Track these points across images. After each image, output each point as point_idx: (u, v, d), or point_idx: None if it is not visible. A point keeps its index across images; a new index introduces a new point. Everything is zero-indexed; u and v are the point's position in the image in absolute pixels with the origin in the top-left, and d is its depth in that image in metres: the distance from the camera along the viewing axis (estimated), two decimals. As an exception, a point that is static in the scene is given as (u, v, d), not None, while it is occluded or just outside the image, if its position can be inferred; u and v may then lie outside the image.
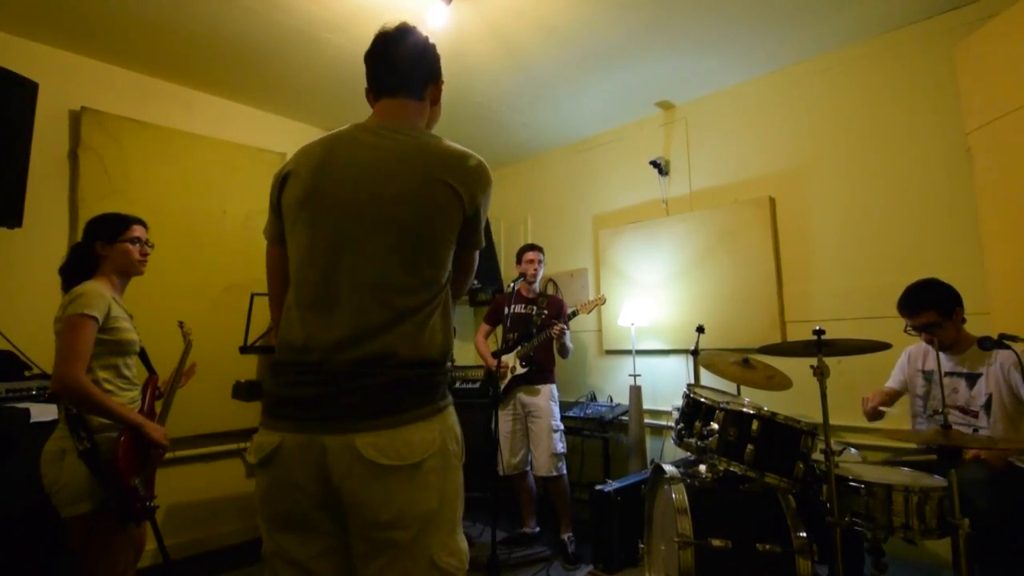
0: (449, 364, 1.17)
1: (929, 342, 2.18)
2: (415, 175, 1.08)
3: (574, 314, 3.16)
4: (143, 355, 1.95)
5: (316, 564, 1.03)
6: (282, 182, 1.15)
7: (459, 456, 1.11)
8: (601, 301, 3.28)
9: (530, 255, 3.26)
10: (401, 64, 1.20)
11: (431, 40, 1.25)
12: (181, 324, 2.33)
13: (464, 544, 1.09)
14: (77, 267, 1.81)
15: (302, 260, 1.10)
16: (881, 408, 2.31)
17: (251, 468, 3.29)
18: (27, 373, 2.33)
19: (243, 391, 2.36)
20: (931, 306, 2.12)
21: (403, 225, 1.07)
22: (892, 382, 2.38)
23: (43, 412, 2.07)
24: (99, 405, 1.66)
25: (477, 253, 1.26)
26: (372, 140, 1.13)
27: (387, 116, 1.19)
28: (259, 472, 1.05)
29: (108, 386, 1.73)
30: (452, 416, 1.12)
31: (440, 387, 1.11)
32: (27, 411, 2.04)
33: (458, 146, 1.14)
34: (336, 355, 1.02)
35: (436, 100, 1.26)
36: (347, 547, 1.03)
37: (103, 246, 1.81)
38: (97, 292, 1.71)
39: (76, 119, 2.82)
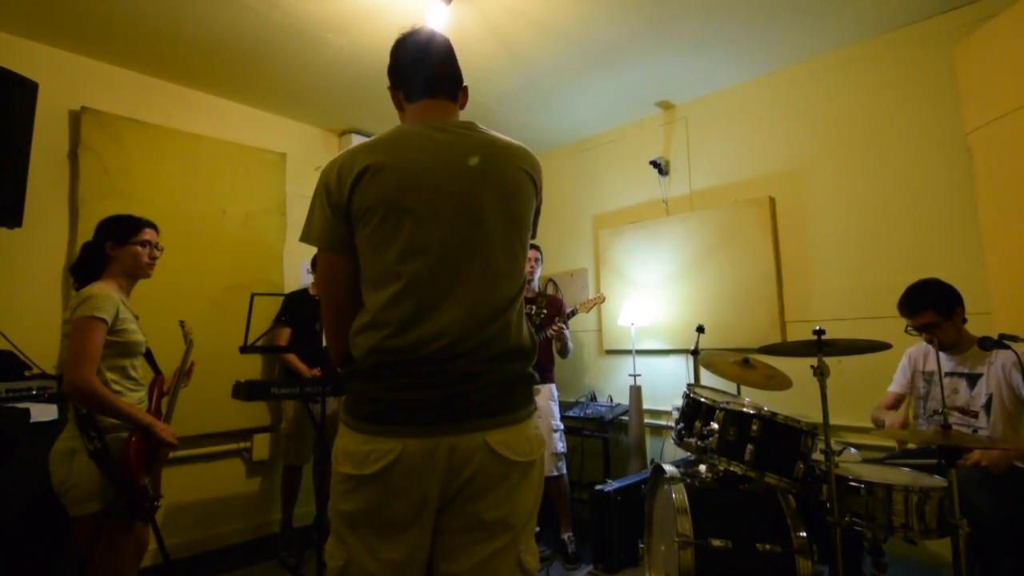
0: None
1: (929, 342, 2.18)
2: (504, 165, 1.11)
3: (573, 313, 3.16)
4: (148, 355, 1.96)
5: (413, 565, 1.00)
6: (356, 179, 1.04)
7: None
8: (600, 300, 3.28)
9: (530, 253, 3.25)
10: (442, 67, 1.20)
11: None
12: (182, 324, 2.33)
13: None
14: (87, 266, 1.82)
15: (402, 256, 1.03)
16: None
17: (251, 465, 3.29)
18: (27, 373, 2.33)
19: (243, 391, 2.35)
20: (930, 306, 2.12)
21: (504, 214, 1.09)
22: (895, 386, 2.38)
23: (43, 412, 2.07)
24: (110, 406, 1.67)
25: None
26: (443, 136, 1.11)
27: (437, 115, 1.17)
28: (366, 483, 0.98)
29: (116, 387, 1.74)
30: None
31: (534, 382, 1.14)
32: (27, 411, 2.04)
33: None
34: (452, 350, 1.01)
35: (464, 103, 1.25)
36: (432, 539, 1.02)
37: (113, 247, 1.82)
38: (105, 294, 1.72)
39: (76, 119, 2.82)
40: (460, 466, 0.99)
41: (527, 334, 1.12)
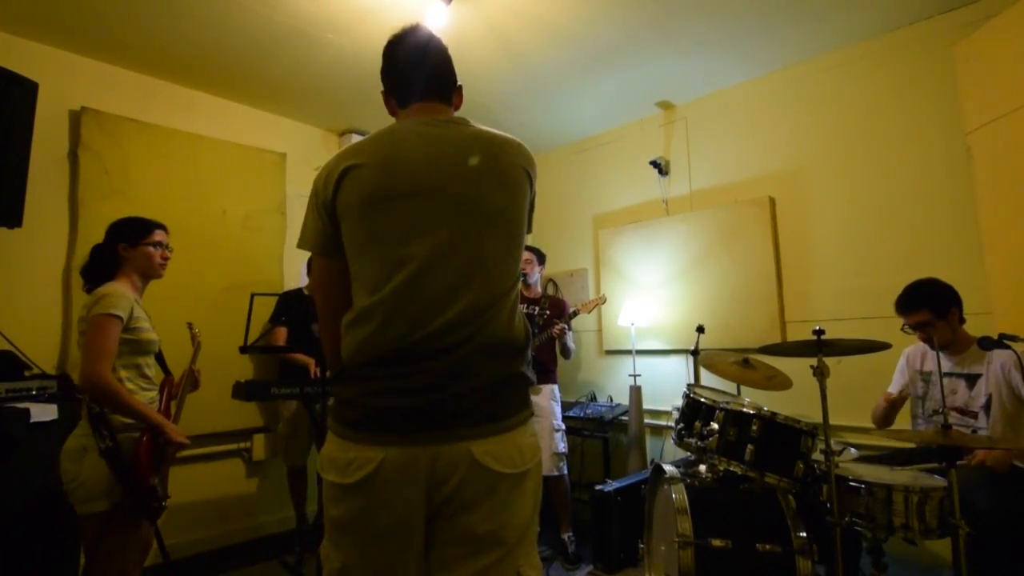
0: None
1: (926, 341, 2.18)
2: (497, 160, 1.09)
3: (575, 313, 3.16)
4: (159, 356, 1.97)
5: (407, 573, 0.99)
6: (340, 178, 1.04)
7: None
8: (601, 301, 3.28)
9: (524, 255, 3.23)
10: (432, 69, 1.18)
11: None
12: (190, 325, 2.33)
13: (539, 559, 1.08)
14: (98, 268, 1.85)
15: (386, 249, 1.02)
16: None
17: (251, 465, 3.29)
18: (27, 373, 2.33)
19: (243, 391, 2.35)
20: (925, 305, 2.12)
21: (496, 207, 1.07)
22: (894, 387, 2.37)
23: (43, 412, 2.07)
24: (124, 404, 1.69)
25: None
26: (433, 131, 1.09)
27: (431, 115, 1.16)
28: (350, 492, 0.97)
29: (130, 385, 1.76)
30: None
31: (529, 383, 1.10)
32: (27, 411, 2.04)
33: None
34: (438, 342, 0.98)
35: (459, 104, 1.24)
36: (426, 549, 1.00)
37: (126, 248, 1.85)
38: (121, 292, 1.75)
39: (76, 119, 2.82)
40: (444, 476, 0.96)
41: (519, 326, 1.09)
